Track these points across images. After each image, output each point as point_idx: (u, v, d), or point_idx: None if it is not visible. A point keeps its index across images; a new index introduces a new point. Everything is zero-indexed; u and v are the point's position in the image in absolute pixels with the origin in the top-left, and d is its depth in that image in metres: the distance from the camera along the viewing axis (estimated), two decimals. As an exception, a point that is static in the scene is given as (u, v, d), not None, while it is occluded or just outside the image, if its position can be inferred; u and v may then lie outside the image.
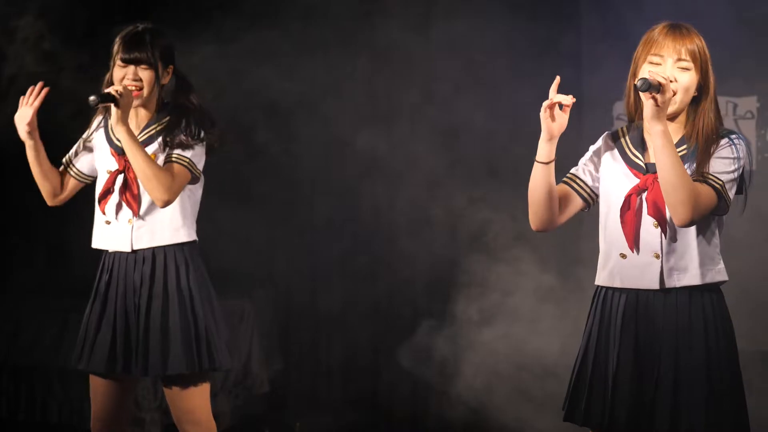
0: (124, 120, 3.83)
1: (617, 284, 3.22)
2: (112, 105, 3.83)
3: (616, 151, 3.28)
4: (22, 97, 4.01)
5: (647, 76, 3.03)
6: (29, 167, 4.08)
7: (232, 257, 6.72)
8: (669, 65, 3.15)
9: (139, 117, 4.03)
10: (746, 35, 5.62)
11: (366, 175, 6.40)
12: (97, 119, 4.12)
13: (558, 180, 3.29)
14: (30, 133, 3.98)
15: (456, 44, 6.20)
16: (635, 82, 3.05)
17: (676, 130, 3.21)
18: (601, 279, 3.26)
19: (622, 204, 3.19)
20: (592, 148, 3.37)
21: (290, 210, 6.77)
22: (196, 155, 3.96)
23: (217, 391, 6.24)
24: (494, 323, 5.78)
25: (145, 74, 3.94)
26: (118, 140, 3.97)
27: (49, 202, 4.18)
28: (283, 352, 6.83)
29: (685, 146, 3.19)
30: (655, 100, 3.02)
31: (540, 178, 3.20)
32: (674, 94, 3.15)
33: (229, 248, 6.71)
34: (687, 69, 3.16)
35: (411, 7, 6.33)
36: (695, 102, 3.21)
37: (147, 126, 4.00)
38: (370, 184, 6.43)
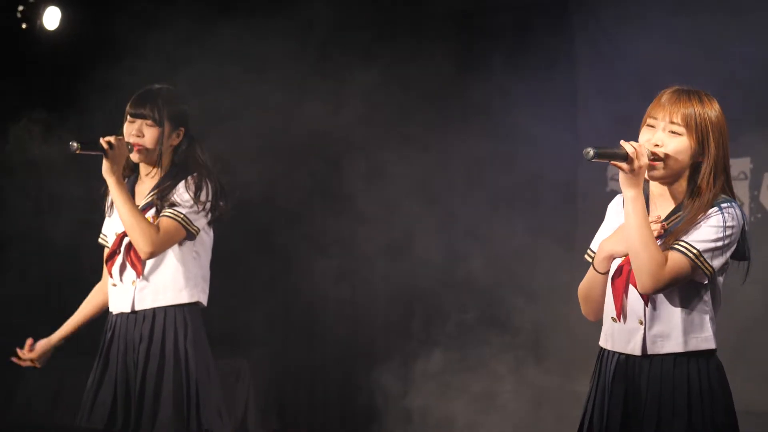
0: (113, 170, 3.86)
1: (609, 346, 3.21)
2: (103, 155, 3.85)
3: (622, 215, 3.21)
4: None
5: (596, 147, 3.00)
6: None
7: (228, 317, 6.73)
8: (660, 129, 3.11)
9: (149, 179, 4.04)
10: (739, 96, 5.65)
11: (357, 234, 6.43)
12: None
13: (581, 254, 3.27)
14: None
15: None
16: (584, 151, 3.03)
17: (673, 196, 3.15)
18: (601, 340, 3.26)
19: (614, 271, 3.17)
20: (606, 216, 3.32)
21: (286, 269, 6.78)
22: (193, 213, 3.96)
23: (214, 450, 6.20)
24: (504, 382, 5.80)
25: (149, 131, 3.97)
26: None
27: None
28: (279, 412, 6.81)
29: (679, 214, 3.12)
30: (623, 168, 3.02)
31: (599, 284, 3.21)
32: (660, 158, 3.09)
33: (225, 308, 6.71)
34: (677, 134, 3.09)
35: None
36: (697, 169, 3.12)
37: (153, 189, 4.01)
38: (362, 240, 6.44)
